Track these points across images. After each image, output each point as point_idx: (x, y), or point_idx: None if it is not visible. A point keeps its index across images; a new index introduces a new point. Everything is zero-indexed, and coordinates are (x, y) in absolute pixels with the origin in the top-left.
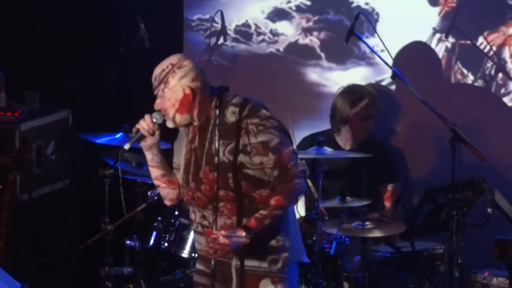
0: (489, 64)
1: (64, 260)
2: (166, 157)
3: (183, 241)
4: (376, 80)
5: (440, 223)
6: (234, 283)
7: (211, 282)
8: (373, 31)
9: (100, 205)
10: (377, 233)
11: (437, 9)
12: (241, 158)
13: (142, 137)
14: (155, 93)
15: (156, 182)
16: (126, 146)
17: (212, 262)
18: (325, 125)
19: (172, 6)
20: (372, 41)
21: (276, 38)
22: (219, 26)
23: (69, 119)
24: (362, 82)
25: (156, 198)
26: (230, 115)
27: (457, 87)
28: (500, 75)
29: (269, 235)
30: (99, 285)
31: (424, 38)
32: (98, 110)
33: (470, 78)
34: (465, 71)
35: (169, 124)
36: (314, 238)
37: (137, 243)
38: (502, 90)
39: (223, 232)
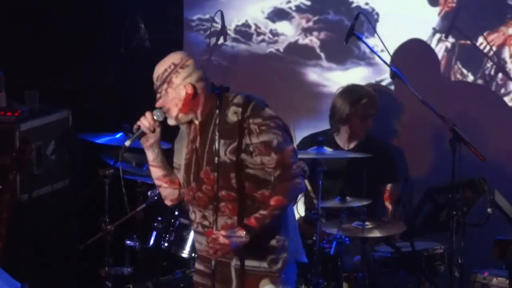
0: (489, 64)
1: (64, 260)
2: (167, 157)
3: (183, 241)
4: (376, 80)
5: (440, 223)
6: (234, 283)
7: (212, 282)
8: (373, 31)
9: (100, 205)
10: (377, 233)
11: (437, 9)
12: (243, 158)
13: (143, 134)
14: (158, 92)
15: (157, 182)
16: (127, 143)
17: (213, 263)
18: (325, 125)
19: (172, 6)
20: (372, 41)
21: (276, 38)
22: (219, 26)
23: (69, 119)
24: (362, 82)
25: (156, 198)
26: (232, 115)
27: (456, 85)
28: (500, 75)
29: (269, 235)
30: (99, 285)
31: (424, 38)
32: (98, 110)
33: (470, 78)
34: (465, 71)
35: (170, 122)
36: (314, 238)
37: (137, 243)
38: (502, 90)
39: (223, 232)
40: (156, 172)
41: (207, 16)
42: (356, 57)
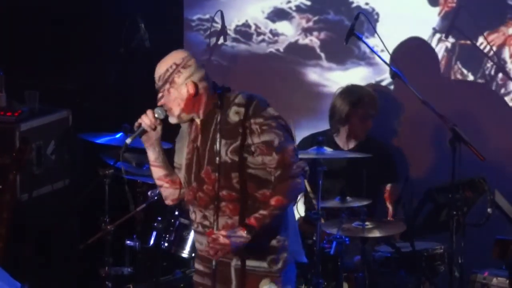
0: (489, 64)
1: (64, 260)
2: (168, 156)
3: (183, 241)
4: (376, 80)
5: (440, 223)
6: (233, 283)
7: (212, 282)
8: (373, 31)
9: (100, 205)
10: (377, 233)
11: (437, 9)
12: (244, 158)
13: (144, 132)
14: (159, 91)
15: (158, 182)
16: (128, 141)
17: (213, 263)
18: (325, 125)
19: (172, 6)
20: (372, 41)
21: (276, 38)
22: (219, 26)
23: (69, 119)
24: (362, 82)
25: (156, 198)
26: (234, 115)
27: (456, 84)
28: (500, 75)
29: (269, 235)
30: (99, 285)
31: (424, 38)
32: (98, 110)
33: (470, 78)
34: (465, 71)
35: (172, 120)
36: (314, 238)
37: (137, 243)
38: (502, 90)
39: (223, 232)
40: (157, 172)
41: (207, 16)
42: (356, 57)
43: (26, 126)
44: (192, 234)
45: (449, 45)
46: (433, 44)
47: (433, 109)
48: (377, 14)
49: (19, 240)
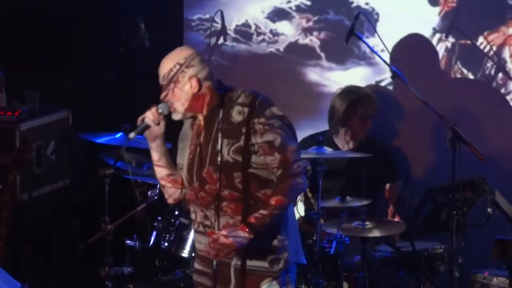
0: (489, 64)
1: (64, 260)
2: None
3: (183, 241)
4: (376, 80)
5: (440, 223)
6: (232, 283)
7: (213, 283)
8: (373, 31)
9: (100, 205)
10: (377, 233)
11: (437, 9)
12: (247, 157)
13: (147, 127)
14: (164, 90)
15: (161, 182)
16: (131, 135)
17: (214, 263)
18: (325, 125)
19: (172, 6)
20: (372, 41)
21: (276, 38)
22: (219, 26)
23: (69, 119)
24: (362, 82)
25: (156, 197)
26: (237, 115)
27: (457, 82)
28: (500, 75)
29: (269, 235)
30: (99, 285)
31: (424, 35)
32: (98, 110)
33: (470, 78)
34: (465, 71)
35: (175, 117)
36: (314, 238)
37: (137, 243)
38: (502, 90)
39: (224, 232)
40: (160, 172)
41: (207, 16)
42: (356, 57)
43: (26, 126)
44: (192, 234)
45: (449, 45)
46: (433, 44)
47: (433, 109)
48: (377, 14)
49: (19, 240)
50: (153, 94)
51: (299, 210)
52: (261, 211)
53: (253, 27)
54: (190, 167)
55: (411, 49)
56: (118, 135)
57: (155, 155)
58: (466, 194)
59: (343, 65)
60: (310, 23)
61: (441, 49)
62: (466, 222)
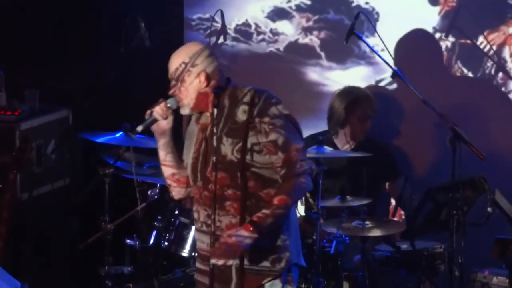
0: (489, 64)
1: (64, 259)
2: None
3: (183, 240)
4: (376, 79)
5: (440, 222)
6: (233, 282)
7: (210, 281)
8: (373, 31)
9: (100, 204)
10: (377, 232)
11: (437, 9)
12: (251, 157)
13: (155, 121)
14: (171, 87)
15: (167, 181)
16: (139, 128)
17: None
18: (325, 125)
19: (172, 5)
20: (372, 40)
21: (276, 37)
22: (219, 25)
23: (69, 118)
24: (362, 81)
25: (156, 197)
26: (241, 114)
27: (458, 79)
28: (500, 74)
29: (271, 234)
30: (99, 284)
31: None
32: (98, 109)
33: (470, 76)
34: (465, 71)
35: (183, 111)
36: (314, 237)
37: (137, 242)
38: (502, 89)
39: (230, 232)
40: (166, 171)
41: (207, 16)
42: (356, 57)
43: (26, 125)
44: (192, 233)
45: (449, 44)
46: (436, 40)
47: (433, 108)
48: (377, 13)
49: (19, 239)
50: (153, 93)
51: (299, 210)
52: (264, 211)
53: (253, 26)
54: (194, 166)
55: (414, 45)
56: (118, 134)
57: (162, 153)
58: (466, 193)
59: (343, 64)
60: (310, 23)
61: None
62: (466, 221)
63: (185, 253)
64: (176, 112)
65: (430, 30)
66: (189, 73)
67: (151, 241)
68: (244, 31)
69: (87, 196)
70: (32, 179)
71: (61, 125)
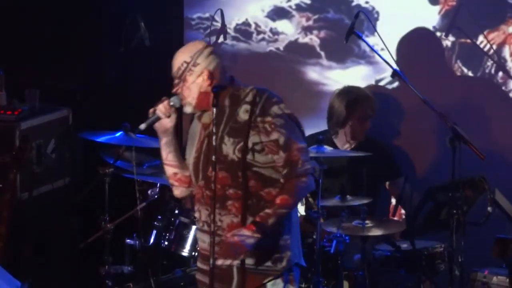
0: (489, 63)
1: (64, 258)
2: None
3: (183, 239)
4: (376, 79)
5: (440, 221)
6: (234, 282)
7: (210, 280)
8: (373, 30)
9: (100, 204)
10: (377, 232)
11: (437, 8)
12: (252, 156)
13: (158, 119)
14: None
15: (169, 181)
16: (142, 126)
17: (211, 261)
18: (325, 124)
19: (172, 5)
20: (372, 39)
21: (276, 37)
22: (219, 24)
23: (69, 117)
24: (362, 80)
25: (156, 196)
26: (243, 114)
27: (457, 79)
28: (500, 73)
29: (273, 234)
30: (99, 284)
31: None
32: (98, 109)
33: (470, 76)
34: (465, 70)
35: (186, 110)
36: (314, 237)
37: (137, 242)
38: (502, 89)
39: (234, 232)
40: (168, 170)
41: (207, 15)
42: (356, 56)
43: (26, 124)
44: (191, 232)
45: (449, 43)
46: (438, 38)
47: (433, 108)
48: (377, 12)
49: (19, 239)
50: (153, 93)
51: (299, 209)
52: (266, 210)
53: (253, 26)
54: (196, 165)
55: (415, 44)
56: (118, 134)
57: (164, 152)
58: (466, 193)
59: (343, 64)
60: (310, 22)
61: None
62: (466, 220)
63: (185, 252)
64: (179, 110)
65: (430, 29)
66: (190, 72)
67: (151, 241)
68: (244, 31)
69: (87, 196)
70: (32, 178)
71: (61, 125)
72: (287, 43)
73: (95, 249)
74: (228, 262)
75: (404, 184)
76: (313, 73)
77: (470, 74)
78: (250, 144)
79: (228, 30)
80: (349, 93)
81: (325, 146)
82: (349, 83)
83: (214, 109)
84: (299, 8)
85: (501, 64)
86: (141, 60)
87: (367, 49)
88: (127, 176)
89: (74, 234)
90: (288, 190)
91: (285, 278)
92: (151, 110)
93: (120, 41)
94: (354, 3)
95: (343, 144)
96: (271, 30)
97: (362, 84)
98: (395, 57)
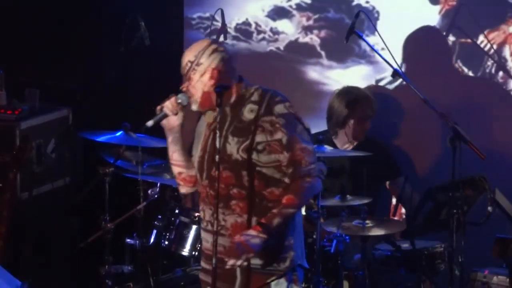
0: (489, 63)
1: (64, 258)
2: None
3: (183, 239)
4: (377, 78)
5: (440, 221)
6: (238, 281)
7: (212, 280)
8: (373, 30)
9: (100, 203)
10: (377, 232)
11: (437, 8)
12: (255, 156)
13: (165, 116)
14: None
15: (176, 180)
16: (149, 123)
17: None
18: (325, 124)
19: (172, 5)
20: (372, 39)
21: (276, 36)
22: (219, 24)
23: (69, 117)
24: (363, 80)
25: (156, 196)
26: (248, 113)
27: (457, 79)
28: (501, 73)
29: (278, 234)
30: (99, 284)
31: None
32: (98, 109)
33: (471, 75)
34: (465, 70)
35: (193, 108)
36: (314, 237)
37: (137, 241)
38: (503, 88)
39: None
40: (174, 169)
41: (207, 15)
42: (357, 56)
43: (26, 124)
44: (192, 232)
45: (449, 43)
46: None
47: (433, 108)
48: (378, 12)
49: (19, 238)
50: (153, 93)
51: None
52: (272, 211)
53: (253, 25)
54: (201, 165)
55: (417, 44)
56: (118, 133)
57: (169, 151)
58: (466, 192)
59: (343, 63)
60: (311, 22)
61: None
62: (466, 220)
63: (185, 252)
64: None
65: (436, 27)
66: (194, 71)
67: (151, 240)
68: (244, 30)
69: (87, 196)
70: (32, 178)
71: (61, 125)
72: (288, 42)
73: (95, 249)
74: (239, 262)
75: (404, 184)
76: (313, 72)
77: (470, 73)
78: (254, 144)
79: (229, 30)
80: (349, 93)
81: (325, 146)
82: (349, 82)
83: (218, 109)
84: (299, 7)
85: (501, 64)
86: (141, 60)
87: (368, 48)
88: (127, 176)
89: (74, 234)
90: (294, 190)
91: (289, 278)
92: (158, 108)
93: (120, 41)
94: (354, 3)
95: (343, 144)
96: (271, 29)
97: (362, 84)
98: (400, 56)
